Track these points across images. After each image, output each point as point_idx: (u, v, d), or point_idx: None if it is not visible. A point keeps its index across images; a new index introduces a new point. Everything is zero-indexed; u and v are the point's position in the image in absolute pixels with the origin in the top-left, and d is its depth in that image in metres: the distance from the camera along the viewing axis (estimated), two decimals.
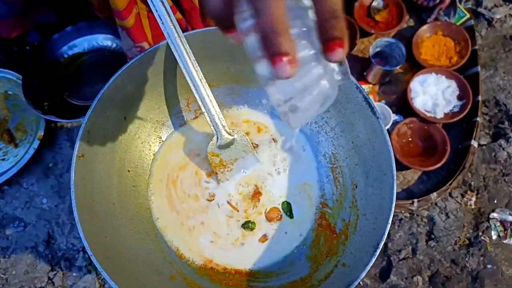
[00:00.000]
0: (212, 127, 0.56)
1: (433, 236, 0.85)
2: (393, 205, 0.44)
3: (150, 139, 0.62)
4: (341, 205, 0.56)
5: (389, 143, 0.47)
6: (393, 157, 0.46)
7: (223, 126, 0.56)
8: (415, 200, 0.84)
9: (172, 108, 0.63)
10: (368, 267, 0.42)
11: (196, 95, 0.53)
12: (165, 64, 0.55)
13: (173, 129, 0.64)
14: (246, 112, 0.65)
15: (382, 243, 0.42)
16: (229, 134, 0.57)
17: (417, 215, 0.87)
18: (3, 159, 0.87)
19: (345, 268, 0.47)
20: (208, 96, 0.54)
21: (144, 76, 0.55)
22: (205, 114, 0.54)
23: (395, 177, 0.46)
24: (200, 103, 0.54)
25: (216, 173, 0.60)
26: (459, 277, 0.83)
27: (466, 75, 0.96)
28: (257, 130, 0.64)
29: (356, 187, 0.54)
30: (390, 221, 0.44)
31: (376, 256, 0.42)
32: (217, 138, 0.57)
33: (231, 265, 0.57)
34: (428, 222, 0.87)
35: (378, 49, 0.97)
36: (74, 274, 0.80)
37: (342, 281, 0.44)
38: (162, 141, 0.63)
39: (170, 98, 0.60)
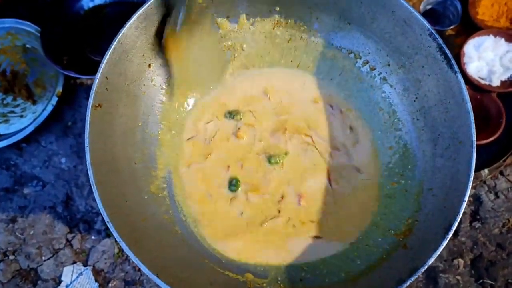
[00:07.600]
0: None
1: (478, 217, 0.78)
2: (471, 179, 0.37)
3: (178, 92, 0.55)
4: (400, 176, 0.49)
5: (469, 104, 0.39)
6: (473, 122, 0.38)
7: None
8: None
9: (205, 57, 0.55)
10: (438, 252, 0.35)
11: None
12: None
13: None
14: None
15: (456, 225, 0.35)
16: None
17: None
18: (21, 116, 0.84)
19: (406, 251, 0.40)
20: None
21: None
22: None
23: (474, 146, 0.38)
24: None
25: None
26: (505, 263, 0.76)
27: None
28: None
29: None
30: (466, 199, 0.36)
31: (448, 239, 0.35)
32: None
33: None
34: (474, 202, 0.79)
35: (429, 7, 0.87)
36: (93, 237, 0.77)
37: (404, 266, 0.37)
38: (193, 96, 0.56)
39: (203, 45, 0.52)
